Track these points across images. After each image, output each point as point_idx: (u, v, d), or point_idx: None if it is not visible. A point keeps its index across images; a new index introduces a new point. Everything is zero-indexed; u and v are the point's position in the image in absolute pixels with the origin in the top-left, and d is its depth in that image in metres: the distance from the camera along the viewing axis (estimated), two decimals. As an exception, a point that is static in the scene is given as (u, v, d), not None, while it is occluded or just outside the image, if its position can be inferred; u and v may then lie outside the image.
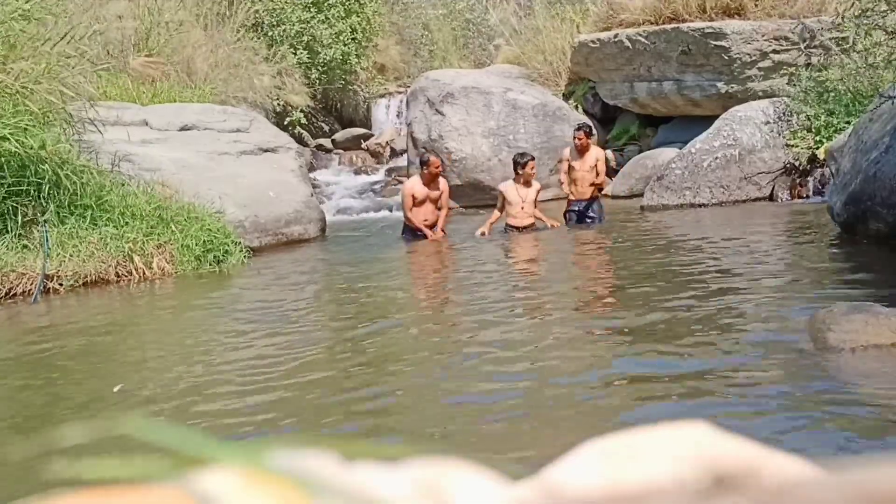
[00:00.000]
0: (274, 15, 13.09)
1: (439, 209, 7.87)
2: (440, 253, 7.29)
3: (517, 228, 7.69)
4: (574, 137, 8.05)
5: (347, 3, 14.02)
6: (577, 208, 8.07)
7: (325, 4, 13.71)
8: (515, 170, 7.74)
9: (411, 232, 7.84)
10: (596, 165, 8.00)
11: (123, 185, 6.88)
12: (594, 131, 8.64)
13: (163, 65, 9.41)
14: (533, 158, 7.82)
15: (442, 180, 8.00)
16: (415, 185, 7.82)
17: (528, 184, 7.69)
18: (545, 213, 7.92)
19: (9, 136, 6.00)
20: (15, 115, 6.18)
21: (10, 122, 6.11)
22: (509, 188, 7.74)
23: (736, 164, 8.60)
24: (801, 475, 0.29)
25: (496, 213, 7.83)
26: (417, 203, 7.75)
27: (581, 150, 7.98)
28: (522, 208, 7.69)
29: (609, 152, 11.05)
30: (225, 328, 4.66)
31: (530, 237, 7.54)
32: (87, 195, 6.50)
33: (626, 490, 0.28)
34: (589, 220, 7.99)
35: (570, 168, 8.03)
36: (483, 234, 7.67)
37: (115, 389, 3.18)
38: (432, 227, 7.81)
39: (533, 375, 3.23)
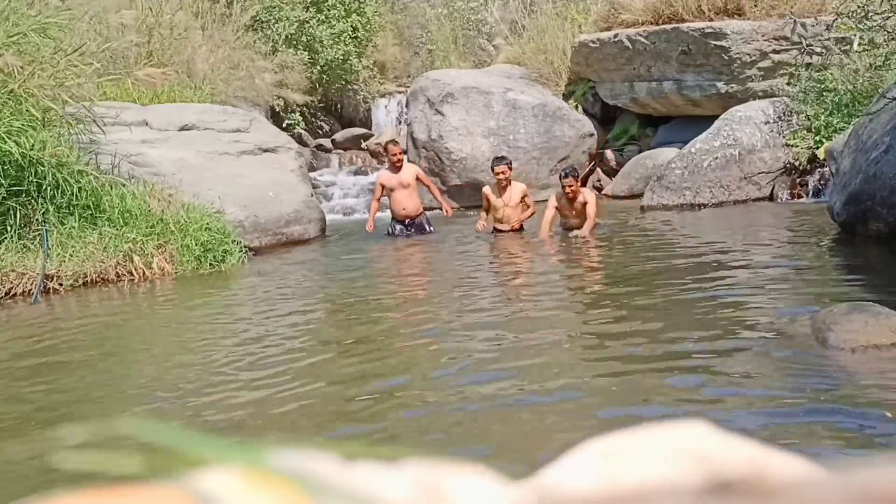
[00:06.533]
0: (271, 13, 13.04)
1: (439, 200, 8.33)
2: (438, 254, 7.29)
3: (503, 231, 7.73)
4: (562, 186, 7.25)
5: (347, 3, 14.01)
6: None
7: (325, 4, 13.70)
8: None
9: (400, 223, 8.18)
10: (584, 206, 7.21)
11: (123, 185, 6.88)
12: (578, 173, 7.73)
13: (165, 76, 9.46)
14: (507, 161, 7.78)
15: (409, 165, 8.46)
16: (382, 174, 8.50)
17: (507, 186, 7.73)
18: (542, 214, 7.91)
19: (5, 137, 6.00)
20: (14, 115, 6.18)
21: (7, 122, 6.11)
22: (492, 191, 7.82)
23: (736, 164, 8.60)
24: (801, 475, 0.29)
25: (483, 213, 7.93)
26: (388, 191, 8.22)
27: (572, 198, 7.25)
28: (506, 211, 7.74)
29: (609, 152, 11.07)
30: (225, 329, 4.67)
31: (525, 239, 7.53)
32: (85, 196, 6.50)
33: (625, 490, 0.28)
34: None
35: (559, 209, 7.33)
36: (483, 228, 7.79)
37: None
38: (415, 217, 8.20)
39: (532, 376, 3.23)
